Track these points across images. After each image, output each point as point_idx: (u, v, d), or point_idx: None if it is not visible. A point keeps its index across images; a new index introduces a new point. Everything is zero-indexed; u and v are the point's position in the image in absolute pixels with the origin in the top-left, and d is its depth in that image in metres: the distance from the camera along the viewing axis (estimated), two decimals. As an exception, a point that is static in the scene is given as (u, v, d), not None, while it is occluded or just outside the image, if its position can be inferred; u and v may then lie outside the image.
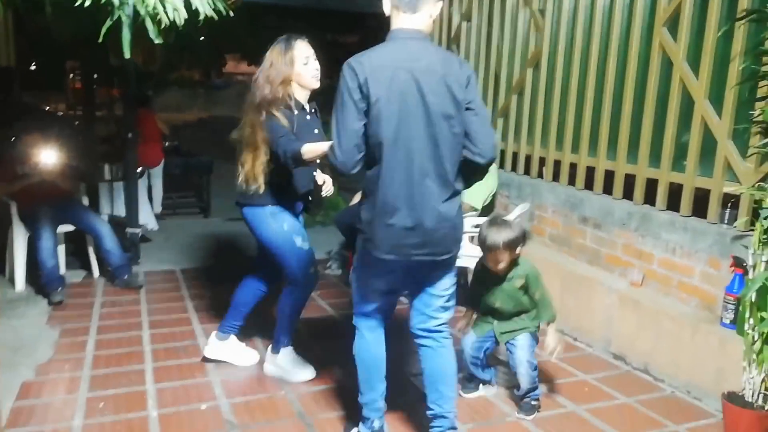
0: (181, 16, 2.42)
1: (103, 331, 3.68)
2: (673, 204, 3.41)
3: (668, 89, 3.38)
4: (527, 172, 4.56)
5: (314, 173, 2.92)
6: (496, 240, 2.71)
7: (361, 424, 2.53)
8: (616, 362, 3.45)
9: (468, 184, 2.36)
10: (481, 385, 3.04)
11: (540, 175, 4.41)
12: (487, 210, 4.41)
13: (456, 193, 2.27)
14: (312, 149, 2.60)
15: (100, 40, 2.33)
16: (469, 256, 3.38)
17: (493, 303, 2.86)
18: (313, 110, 2.99)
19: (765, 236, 2.59)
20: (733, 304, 2.90)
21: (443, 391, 2.42)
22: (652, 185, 3.53)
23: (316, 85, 2.91)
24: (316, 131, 2.92)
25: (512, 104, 4.68)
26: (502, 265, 2.77)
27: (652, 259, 3.45)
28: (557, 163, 4.25)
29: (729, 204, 3.13)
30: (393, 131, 2.14)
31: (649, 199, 3.55)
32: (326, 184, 2.92)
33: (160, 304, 4.16)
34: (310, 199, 3.02)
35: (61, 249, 4.52)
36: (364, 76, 2.11)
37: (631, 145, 3.66)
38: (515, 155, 4.66)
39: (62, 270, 4.42)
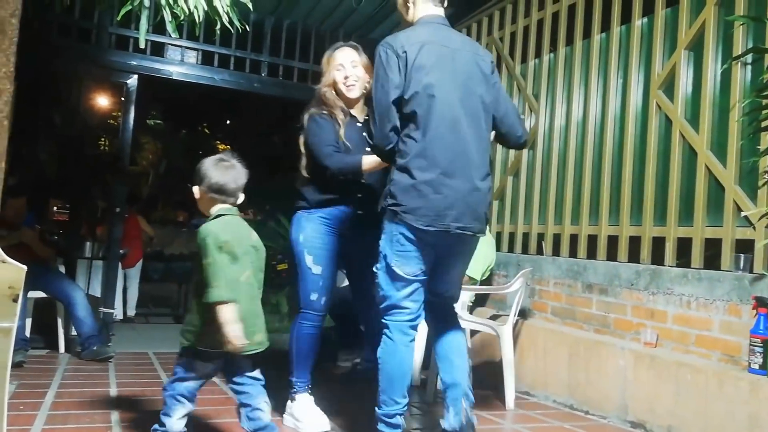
0: (200, 10, 2.44)
1: (65, 386, 3.30)
2: (680, 261, 3.32)
3: (669, 147, 3.43)
4: (525, 251, 4.47)
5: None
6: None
7: None
8: (636, 431, 3.13)
9: None
10: None
11: (539, 252, 4.32)
12: (484, 284, 4.26)
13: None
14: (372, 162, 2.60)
15: (119, 18, 2.33)
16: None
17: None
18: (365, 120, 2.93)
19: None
20: (761, 347, 2.71)
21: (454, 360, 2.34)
22: (656, 245, 3.46)
23: (349, 93, 2.85)
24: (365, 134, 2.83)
25: (507, 186, 4.70)
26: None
27: (666, 317, 3.27)
28: (557, 237, 4.18)
29: (740, 250, 3.05)
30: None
31: (656, 258, 3.45)
32: None
33: (130, 372, 3.78)
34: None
35: (28, 321, 4.18)
36: (402, 49, 2.15)
37: (634, 207, 3.63)
38: (512, 235, 4.59)
39: (27, 333, 4.06)
